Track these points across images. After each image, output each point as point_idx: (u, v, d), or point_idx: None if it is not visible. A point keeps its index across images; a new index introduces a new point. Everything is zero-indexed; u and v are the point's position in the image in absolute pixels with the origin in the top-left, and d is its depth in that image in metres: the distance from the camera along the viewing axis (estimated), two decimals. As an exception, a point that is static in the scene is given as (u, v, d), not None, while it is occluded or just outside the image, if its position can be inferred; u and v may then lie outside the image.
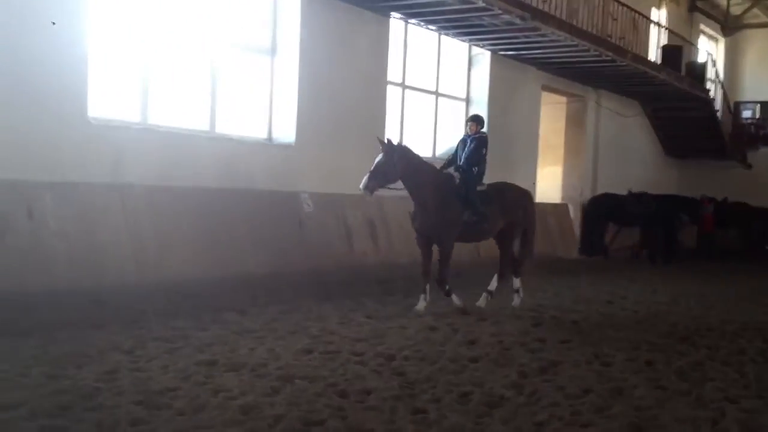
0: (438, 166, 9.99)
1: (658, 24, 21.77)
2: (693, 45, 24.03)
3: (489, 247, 11.27)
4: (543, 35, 14.64)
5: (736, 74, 27.56)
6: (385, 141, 9.29)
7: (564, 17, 15.11)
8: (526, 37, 14.87)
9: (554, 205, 19.03)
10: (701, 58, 23.92)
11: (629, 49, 17.81)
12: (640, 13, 19.14)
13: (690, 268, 17.59)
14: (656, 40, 21.72)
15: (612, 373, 6.72)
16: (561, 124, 20.28)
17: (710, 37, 27.30)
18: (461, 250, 10.75)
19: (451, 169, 9.74)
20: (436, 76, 15.63)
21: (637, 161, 22.61)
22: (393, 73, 14.19)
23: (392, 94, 14.21)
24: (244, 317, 8.39)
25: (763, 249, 22.07)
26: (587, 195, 20.42)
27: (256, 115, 11.99)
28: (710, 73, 23.85)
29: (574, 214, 19.67)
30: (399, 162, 9.11)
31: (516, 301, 10.19)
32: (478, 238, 10.36)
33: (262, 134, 12.06)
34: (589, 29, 16.15)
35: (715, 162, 24.59)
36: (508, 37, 14.89)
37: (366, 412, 5.24)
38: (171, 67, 10.75)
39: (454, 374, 6.39)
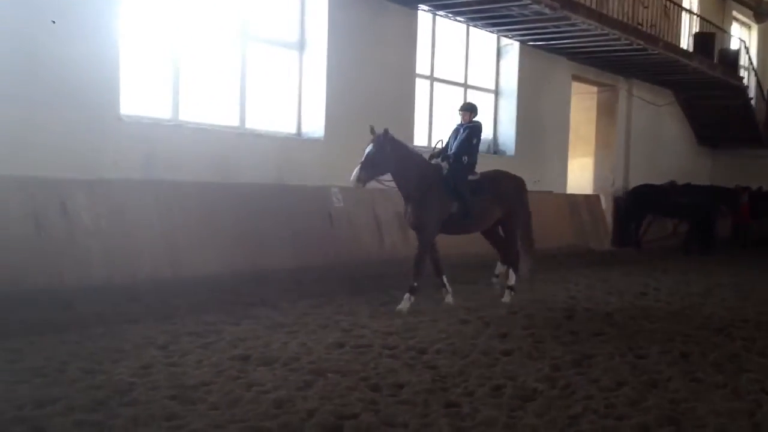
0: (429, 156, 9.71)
1: (689, 11, 21.45)
2: (725, 32, 23.67)
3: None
4: (573, 24, 14.49)
5: (770, 61, 27.12)
6: (374, 131, 8.94)
7: (594, 6, 14.94)
8: (556, 26, 14.73)
9: (586, 197, 18.86)
10: (734, 46, 23.55)
11: (660, 37, 17.59)
12: (671, 0, 18.88)
13: (724, 258, 17.35)
14: (688, 28, 21.42)
15: (646, 365, 6.65)
16: (592, 115, 20.09)
17: (743, 23, 26.87)
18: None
19: (438, 159, 9.48)
20: (464, 68, 15.56)
21: (669, 151, 22.33)
22: (421, 65, 14.15)
23: (421, 87, 14.17)
24: (276, 312, 8.43)
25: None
26: (619, 186, 20.23)
27: (285, 111, 12.03)
28: (743, 60, 23.50)
29: (606, 205, 19.49)
30: (392, 152, 8.84)
31: (506, 297, 9.70)
32: (467, 230, 9.81)
33: (292, 129, 12.10)
34: (620, 17, 15.97)
35: (749, 151, 24.22)
36: (537, 27, 14.77)
37: (399, 406, 5.23)
38: (200, 64, 10.83)
39: (486, 367, 6.36)
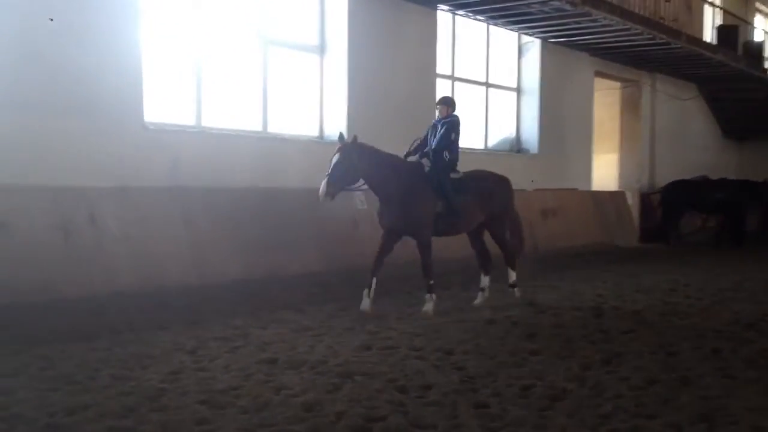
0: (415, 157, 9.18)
1: (712, 4, 21.24)
2: (749, 24, 23.40)
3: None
4: (594, 20, 14.41)
5: (795, 53, 26.74)
6: (342, 137, 8.56)
7: (615, 1, 14.84)
8: (577, 23, 14.66)
9: (611, 193, 18.72)
10: (758, 38, 23.28)
11: (683, 30, 17.42)
12: (693, -7, 18.74)
13: (753, 252, 17.14)
14: (711, 21, 21.21)
15: (677, 362, 6.57)
16: (616, 110, 19.96)
17: (766, 15, 26.55)
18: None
19: (417, 156, 8.99)
20: (485, 66, 15.52)
21: (694, 145, 22.11)
22: (442, 65, 14.15)
23: (442, 86, 14.15)
24: (302, 315, 8.45)
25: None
26: (645, 182, 20.06)
27: (307, 114, 12.07)
28: (768, 52, 23.24)
29: (632, 201, 19.33)
30: (360, 161, 8.33)
31: (479, 299, 9.34)
32: (453, 231, 9.27)
33: (314, 132, 12.13)
34: (642, 12, 15.84)
35: (775, 143, 23.95)
36: (558, 23, 14.71)
37: (427, 408, 5.22)
38: (222, 70, 10.89)
39: (514, 367, 6.32)
